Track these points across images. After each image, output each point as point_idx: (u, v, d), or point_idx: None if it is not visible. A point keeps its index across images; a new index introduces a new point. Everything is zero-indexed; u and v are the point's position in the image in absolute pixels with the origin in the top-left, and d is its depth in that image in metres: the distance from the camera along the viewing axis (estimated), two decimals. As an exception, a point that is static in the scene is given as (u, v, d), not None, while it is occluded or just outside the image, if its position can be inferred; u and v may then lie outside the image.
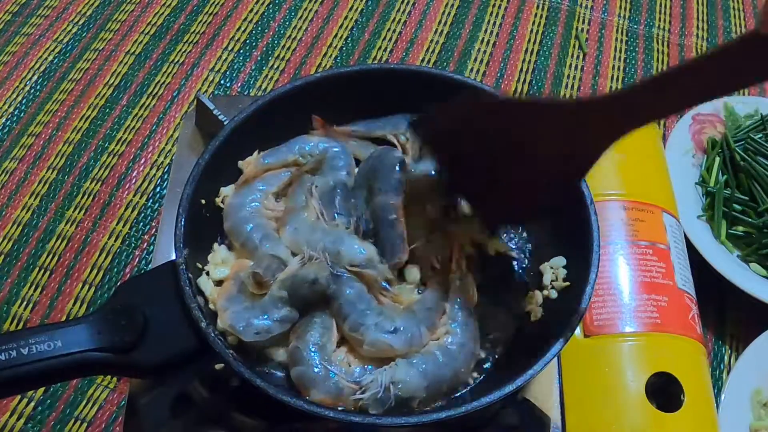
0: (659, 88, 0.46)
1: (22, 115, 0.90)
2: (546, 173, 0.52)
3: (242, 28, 1.00)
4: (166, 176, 0.85)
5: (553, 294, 0.59)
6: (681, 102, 0.47)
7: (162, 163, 0.87)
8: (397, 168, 0.61)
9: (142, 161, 0.87)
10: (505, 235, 0.64)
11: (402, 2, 1.05)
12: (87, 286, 0.78)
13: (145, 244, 0.81)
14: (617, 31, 1.04)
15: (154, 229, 0.81)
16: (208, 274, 0.57)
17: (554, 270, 0.60)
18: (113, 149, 0.87)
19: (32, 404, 0.71)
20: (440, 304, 0.57)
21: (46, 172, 0.85)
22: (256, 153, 0.63)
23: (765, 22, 0.38)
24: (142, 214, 0.83)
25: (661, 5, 1.08)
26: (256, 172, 0.62)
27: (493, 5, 1.06)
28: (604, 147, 0.50)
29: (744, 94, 0.98)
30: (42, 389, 0.71)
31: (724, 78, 0.43)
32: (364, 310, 0.54)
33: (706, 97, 0.48)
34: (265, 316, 0.53)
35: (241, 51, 0.97)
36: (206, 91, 0.93)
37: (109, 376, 0.72)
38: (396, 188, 0.59)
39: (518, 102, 0.55)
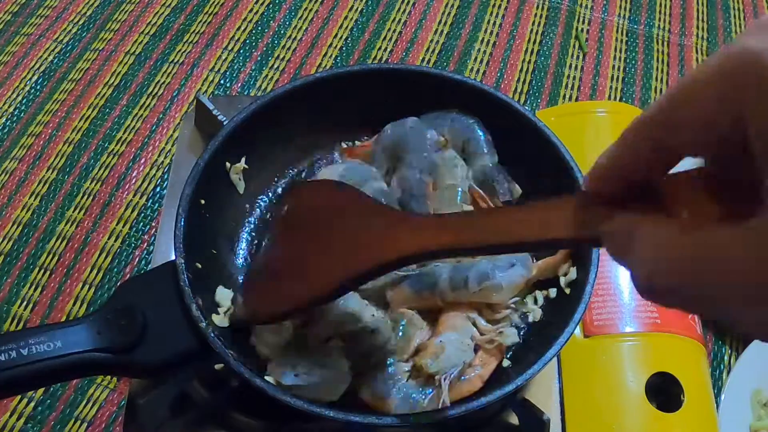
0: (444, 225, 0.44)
1: (22, 115, 0.90)
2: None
3: (242, 28, 1.00)
4: (166, 176, 0.85)
5: (553, 293, 0.59)
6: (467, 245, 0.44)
7: (162, 163, 0.87)
8: (431, 146, 0.62)
9: (142, 161, 0.87)
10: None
11: (402, 2, 1.05)
12: (87, 286, 0.78)
13: (145, 244, 0.81)
14: (617, 31, 1.04)
15: (154, 229, 0.81)
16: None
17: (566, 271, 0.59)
18: (113, 149, 0.87)
19: (32, 404, 0.71)
20: None
21: (46, 172, 0.85)
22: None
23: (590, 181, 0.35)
24: (142, 214, 0.83)
25: (661, 5, 1.08)
26: None
27: (493, 5, 1.06)
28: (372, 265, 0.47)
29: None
30: (42, 389, 0.71)
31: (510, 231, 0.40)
32: (470, 266, 0.55)
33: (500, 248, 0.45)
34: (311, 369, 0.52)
35: (241, 51, 0.97)
36: (206, 91, 0.93)
37: (109, 376, 0.72)
38: (428, 167, 0.61)
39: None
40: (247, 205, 0.64)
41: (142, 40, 0.98)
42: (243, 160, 0.63)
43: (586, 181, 0.35)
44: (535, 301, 0.59)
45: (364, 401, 0.54)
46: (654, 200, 0.33)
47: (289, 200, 0.56)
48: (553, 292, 0.59)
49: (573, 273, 0.58)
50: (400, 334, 0.55)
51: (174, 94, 0.93)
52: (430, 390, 0.53)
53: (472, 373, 0.54)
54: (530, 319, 0.58)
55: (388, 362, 0.54)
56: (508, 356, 0.57)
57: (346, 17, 1.02)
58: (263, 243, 0.60)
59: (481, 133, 0.64)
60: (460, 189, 0.61)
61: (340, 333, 0.54)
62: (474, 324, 0.56)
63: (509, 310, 0.58)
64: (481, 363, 0.55)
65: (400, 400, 0.53)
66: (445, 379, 0.52)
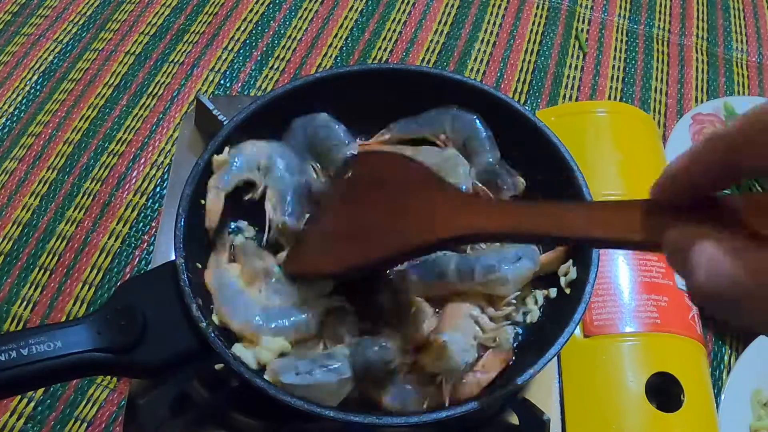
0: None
1: (22, 115, 0.90)
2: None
3: (242, 28, 1.00)
4: (166, 176, 0.85)
5: (553, 293, 0.59)
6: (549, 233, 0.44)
7: (162, 163, 0.87)
8: (334, 123, 0.63)
9: (142, 161, 0.87)
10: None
11: (402, 2, 1.05)
12: (87, 286, 0.78)
13: (145, 244, 0.81)
14: (617, 31, 1.04)
15: (154, 229, 0.81)
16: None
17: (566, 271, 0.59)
18: (113, 149, 0.87)
19: (32, 404, 0.71)
20: None
21: (46, 172, 0.85)
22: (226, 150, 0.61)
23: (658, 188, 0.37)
24: (142, 214, 0.83)
25: (661, 5, 1.08)
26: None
27: (493, 5, 1.06)
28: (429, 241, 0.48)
29: (744, 94, 0.98)
30: (42, 389, 0.71)
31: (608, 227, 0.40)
32: (478, 257, 0.56)
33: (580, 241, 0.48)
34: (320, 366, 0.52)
35: (241, 51, 0.97)
36: (206, 91, 0.93)
37: (109, 376, 0.72)
38: (348, 139, 0.62)
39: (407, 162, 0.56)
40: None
41: (142, 40, 0.98)
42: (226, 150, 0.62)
43: (654, 188, 0.37)
44: (536, 301, 0.59)
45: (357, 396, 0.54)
46: (716, 215, 0.34)
47: (356, 167, 0.58)
48: (553, 292, 0.59)
49: (573, 273, 0.58)
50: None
51: (174, 94, 0.93)
52: (427, 389, 0.53)
53: (472, 378, 0.54)
54: (527, 320, 0.58)
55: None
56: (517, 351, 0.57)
57: (346, 17, 1.02)
58: (320, 203, 0.60)
59: (482, 129, 0.64)
60: (464, 186, 0.61)
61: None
62: (477, 322, 0.56)
63: (511, 307, 0.58)
64: (482, 368, 0.55)
65: (395, 393, 0.53)
66: (446, 382, 0.52)
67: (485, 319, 0.56)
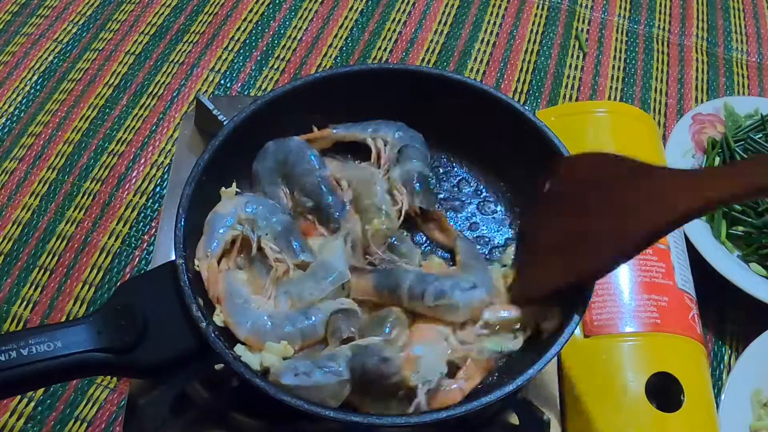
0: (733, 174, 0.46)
1: (22, 115, 0.90)
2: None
3: (242, 28, 1.00)
4: (166, 176, 0.85)
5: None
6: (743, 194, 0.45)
7: (162, 163, 0.87)
8: (304, 147, 0.63)
9: (142, 161, 0.87)
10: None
11: (402, 2, 1.05)
12: (87, 286, 0.78)
13: (145, 244, 0.81)
14: (617, 31, 1.04)
15: (154, 229, 0.81)
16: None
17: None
18: (113, 149, 0.87)
19: (32, 404, 0.71)
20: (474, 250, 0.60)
21: (46, 172, 0.85)
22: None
23: None
24: (142, 214, 0.83)
25: (661, 5, 1.08)
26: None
27: (493, 5, 1.06)
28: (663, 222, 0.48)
29: (744, 94, 0.98)
30: (42, 389, 0.71)
31: None
32: (433, 280, 0.55)
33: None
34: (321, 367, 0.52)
35: (241, 51, 0.97)
36: (206, 91, 0.93)
37: (109, 376, 0.72)
38: (318, 163, 0.62)
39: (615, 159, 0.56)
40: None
41: (142, 40, 0.98)
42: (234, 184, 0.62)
43: None
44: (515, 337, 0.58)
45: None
46: None
47: (556, 176, 0.57)
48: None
49: (552, 323, 0.56)
50: (387, 329, 0.54)
51: (174, 94, 0.93)
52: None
53: (453, 385, 0.53)
54: (501, 349, 0.57)
55: None
56: (503, 362, 0.56)
57: (346, 17, 1.02)
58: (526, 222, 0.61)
59: (422, 146, 0.65)
60: (382, 205, 0.61)
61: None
62: (446, 340, 0.55)
63: (482, 336, 0.56)
64: (465, 377, 0.54)
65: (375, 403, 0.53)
66: (424, 390, 0.52)
67: (453, 340, 0.55)
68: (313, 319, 0.54)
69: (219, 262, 0.57)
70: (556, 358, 0.57)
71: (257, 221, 0.58)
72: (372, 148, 0.65)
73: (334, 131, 0.66)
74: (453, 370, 0.54)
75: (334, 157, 0.66)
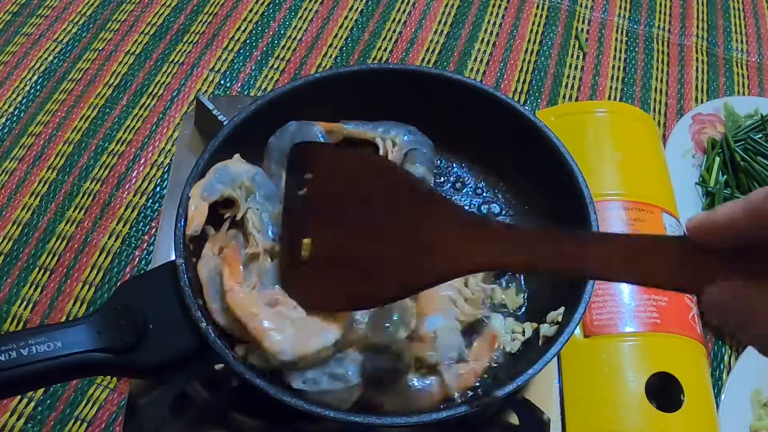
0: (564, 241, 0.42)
1: (22, 115, 0.90)
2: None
3: (242, 28, 1.00)
4: (166, 176, 0.85)
5: (544, 329, 0.57)
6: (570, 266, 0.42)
7: (162, 163, 0.87)
8: (321, 137, 0.62)
9: (142, 161, 0.87)
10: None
11: (402, 2, 1.05)
12: (87, 286, 0.78)
13: (145, 244, 0.81)
14: (617, 31, 1.04)
15: (154, 229, 0.81)
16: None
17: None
18: (113, 149, 0.87)
19: (32, 404, 0.71)
20: None
21: (46, 172, 0.85)
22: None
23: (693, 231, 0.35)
24: (142, 214, 0.83)
25: (661, 5, 1.08)
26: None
27: (493, 5, 1.06)
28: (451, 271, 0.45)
29: (744, 94, 0.98)
30: (42, 389, 0.71)
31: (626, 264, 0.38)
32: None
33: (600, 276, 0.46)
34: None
35: (241, 51, 0.97)
36: (206, 91, 0.93)
37: (109, 376, 0.72)
38: (322, 137, 0.62)
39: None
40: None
41: (142, 40, 0.98)
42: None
43: (693, 230, 0.35)
44: (523, 333, 0.58)
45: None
46: (754, 263, 0.33)
47: (316, 169, 0.52)
48: (544, 328, 0.57)
49: (550, 329, 0.56)
50: (397, 319, 0.54)
51: (174, 94, 0.93)
52: (430, 380, 0.53)
53: (466, 368, 0.54)
54: (508, 349, 0.57)
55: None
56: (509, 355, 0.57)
57: (346, 17, 1.02)
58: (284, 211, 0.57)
59: (430, 151, 0.65)
60: None
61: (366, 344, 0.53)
62: (454, 303, 0.56)
63: (487, 288, 0.57)
64: (474, 358, 0.54)
65: (397, 396, 0.53)
66: (448, 365, 0.52)
67: (462, 301, 0.56)
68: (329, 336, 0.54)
69: (202, 247, 0.57)
70: (556, 358, 0.57)
71: (256, 196, 0.59)
72: (380, 147, 0.65)
73: (346, 127, 0.66)
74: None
75: None
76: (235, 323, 0.51)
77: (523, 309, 0.60)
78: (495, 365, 0.56)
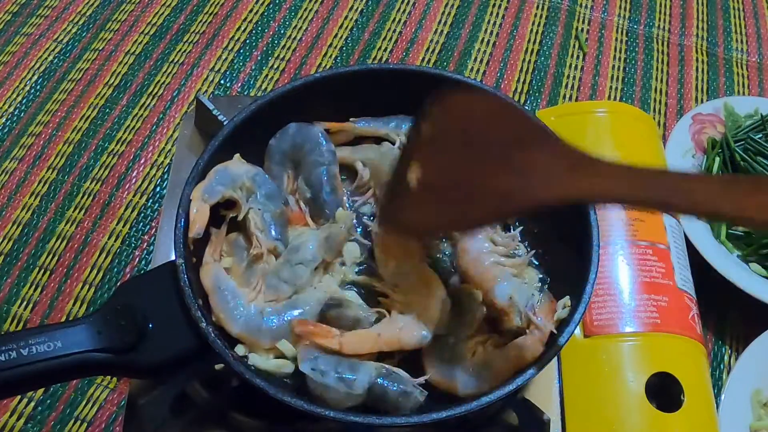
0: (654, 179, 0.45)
1: (22, 115, 0.90)
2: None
3: (242, 28, 1.00)
4: (166, 176, 0.85)
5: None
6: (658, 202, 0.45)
7: (162, 163, 0.87)
8: (322, 138, 0.63)
9: (142, 161, 0.87)
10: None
11: (402, 2, 1.05)
12: (87, 286, 0.78)
13: (145, 244, 0.81)
14: (617, 31, 1.04)
15: (154, 229, 0.81)
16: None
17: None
18: (113, 149, 0.87)
19: (32, 404, 0.71)
20: None
21: (46, 172, 0.85)
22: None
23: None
24: (142, 214, 0.83)
25: (661, 5, 1.08)
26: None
27: (493, 5, 1.06)
28: (552, 199, 0.46)
29: (744, 94, 0.98)
30: (42, 389, 0.71)
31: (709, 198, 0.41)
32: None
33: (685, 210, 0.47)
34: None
35: (241, 51, 0.97)
36: (206, 91, 0.93)
37: (109, 376, 0.72)
38: (330, 158, 0.62)
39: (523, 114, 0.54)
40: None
41: (142, 40, 0.98)
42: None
43: None
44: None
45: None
46: None
47: (443, 110, 0.53)
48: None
49: (564, 312, 0.57)
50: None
51: (174, 94, 0.93)
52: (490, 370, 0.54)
53: (530, 339, 0.54)
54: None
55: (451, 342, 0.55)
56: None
57: (346, 17, 1.02)
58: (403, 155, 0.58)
59: None
60: None
61: None
62: (499, 263, 0.57)
63: (512, 240, 0.59)
64: (538, 327, 0.54)
65: (467, 379, 0.54)
66: (531, 311, 0.54)
67: (503, 258, 0.57)
68: (302, 311, 0.55)
69: (204, 251, 0.58)
70: (556, 358, 0.57)
71: (257, 195, 0.59)
72: (395, 143, 0.65)
73: (357, 125, 0.66)
74: None
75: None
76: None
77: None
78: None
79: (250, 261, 0.57)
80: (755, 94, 0.99)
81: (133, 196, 0.84)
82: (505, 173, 0.48)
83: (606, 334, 0.68)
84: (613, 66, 1.00)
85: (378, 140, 0.66)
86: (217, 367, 0.58)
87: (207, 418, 0.60)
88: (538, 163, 0.47)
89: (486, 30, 1.03)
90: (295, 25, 1.01)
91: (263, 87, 0.94)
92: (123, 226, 0.82)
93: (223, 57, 0.96)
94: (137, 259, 0.80)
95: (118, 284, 0.75)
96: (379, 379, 0.52)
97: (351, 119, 0.66)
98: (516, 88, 0.97)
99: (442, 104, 0.53)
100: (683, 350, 0.69)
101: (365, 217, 0.63)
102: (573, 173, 0.45)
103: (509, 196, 0.47)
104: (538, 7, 1.06)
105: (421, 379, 0.53)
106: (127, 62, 0.95)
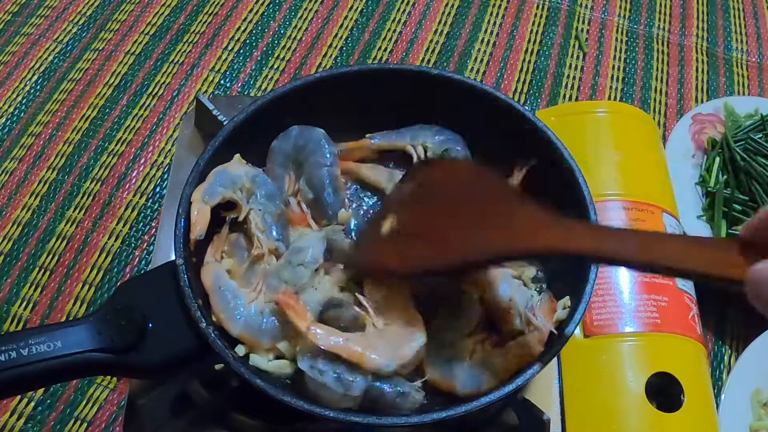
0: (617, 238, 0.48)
1: (22, 115, 0.90)
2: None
3: (242, 28, 1.00)
4: (165, 176, 0.85)
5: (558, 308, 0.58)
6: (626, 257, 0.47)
7: (162, 163, 0.87)
8: (324, 141, 0.63)
9: (142, 161, 0.87)
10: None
11: (402, 2, 1.05)
12: (87, 286, 0.78)
13: (145, 244, 0.81)
14: (617, 31, 1.04)
15: (154, 229, 0.81)
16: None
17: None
18: (113, 149, 0.87)
19: (32, 404, 0.71)
20: None
21: (46, 172, 0.85)
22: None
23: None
24: (142, 214, 0.83)
25: (661, 5, 1.08)
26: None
27: (493, 5, 1.06)
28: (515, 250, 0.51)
29: (744, 94, 0.98)
30: (42, 389, 0.71)
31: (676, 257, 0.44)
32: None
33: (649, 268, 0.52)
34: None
35: (241, 51, 0.97)
36: (206, 91, 0.93)
37: (109, 376, 0.72)
38: (332, 160, 0.63)
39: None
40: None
41: (142, 40, 0.98)
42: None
43: (745, 230, 0.41)
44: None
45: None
46: None
47: (428, 170, 0.59)
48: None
49: (563, 313, 0.57)
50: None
51: (174, 94, 0.93)
52: (489, 370, 0.54)
53: (531, 338, 0.54)
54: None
55: (449, 340, 0.56)
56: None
57: (346, 17, 1.02)
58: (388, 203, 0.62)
59: (461, 148, 0.65)
60: None
61: None
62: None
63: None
64: (537, 326, 0.55)
65: (466, 378, 0.54)
66: (533, 316, 0.54)
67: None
68: None
69: (206, 251, 0.58)
70: (556, 358, 0.57)
71: (257, 196, 0.60)
72: (413, 155, 0.65)
73: (372, 141, 0.66)
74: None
75: (387, 166, 0.67)
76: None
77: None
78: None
79: (251, 261, 0.57)
80: (755, 94, 0.99)
81: (133, 196, 0.84)
82: (476, 226, 0.52)
83: (606, 334, 0.68)
84: (613, 66, 1.00)
85: (403, 153, 0.66)
86: (217, 367, 0.58)
87: (207, 418, 0.60)
88: (510, 218, 0.51)
89: (486, 30, 1.03)
90: (295, 25, 1.01)
91: (263, 87, 0.94)
92: (123, 226, 0.82)
93: (223, 57, 0.96)
94: (137, 260, 0.80)
95: (118, 284, 0.75)
96: (376, 382, 0.52)
97: (367, 135, 0.66)
98: (516, 88, 0.97)
99: (426, 167, 0.60)
100: (683, 350, 0.69)
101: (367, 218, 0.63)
102: (542, 230, 0.49)
103: (476, 246, 0.52)
104: (538, 7, 1.06)
105: (418, 383, 0.53)
106: (127, 62, 0.95)
